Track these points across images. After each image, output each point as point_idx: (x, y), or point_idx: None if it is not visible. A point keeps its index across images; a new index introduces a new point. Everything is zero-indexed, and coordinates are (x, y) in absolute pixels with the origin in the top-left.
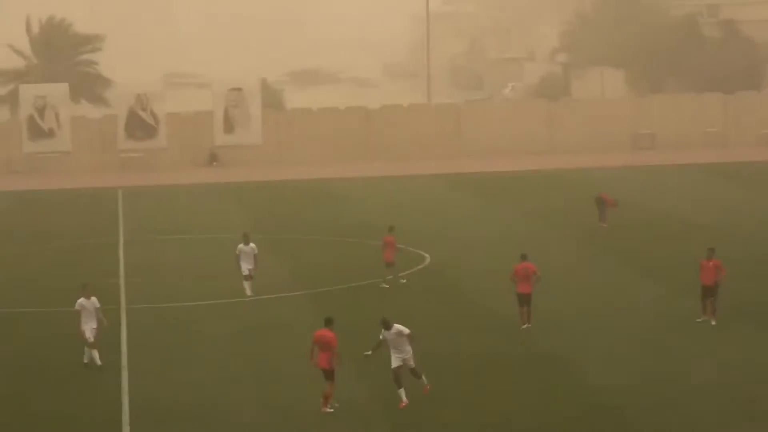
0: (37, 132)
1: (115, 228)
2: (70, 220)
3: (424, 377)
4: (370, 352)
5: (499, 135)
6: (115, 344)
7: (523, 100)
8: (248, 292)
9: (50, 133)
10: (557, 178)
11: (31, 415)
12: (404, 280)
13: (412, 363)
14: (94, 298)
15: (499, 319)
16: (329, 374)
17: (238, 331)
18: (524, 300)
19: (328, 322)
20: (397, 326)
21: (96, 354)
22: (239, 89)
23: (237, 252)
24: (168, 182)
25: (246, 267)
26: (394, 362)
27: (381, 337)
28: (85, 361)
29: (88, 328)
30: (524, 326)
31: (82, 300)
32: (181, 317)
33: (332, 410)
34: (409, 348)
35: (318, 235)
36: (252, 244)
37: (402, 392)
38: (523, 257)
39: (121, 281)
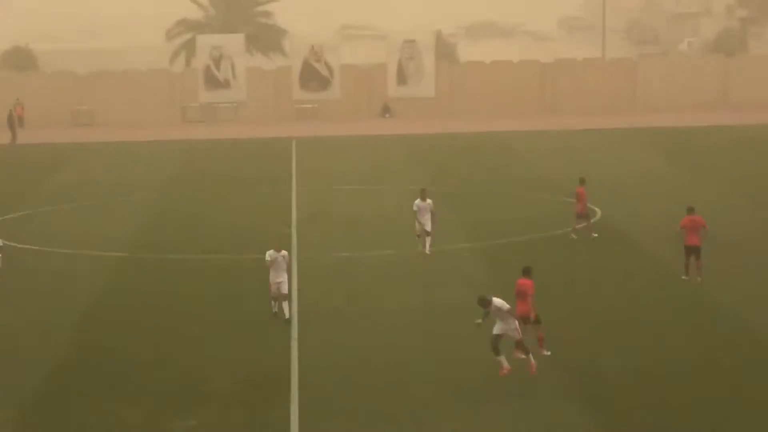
0: (213, 82)
1: (288, 177)
2: (244, 169)
3: (531, 356)
4: (480, 321)
5: (675, 90)
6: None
7: (699, 55)
8: (426, 250)
9: (225, 84)
10: (733, 134)
11: (206, 360)
12: (595, 234)
13: (516, 335)
14: (284, 252)
15: (671, 272)
16: (527, 321)
17: (411, 282)
18: (692, 252)
19: (527, 272)
20: (497, 302)
21: (286, 307)
22: (413, 41)
23: (414, 208)
24: (341, 133)
25: (423, 224)
26: (496, 329)
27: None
28: (274, 311)
29: (276, 282)
30: (684, 277)
31: (272, 252)
32: (352, 267)
33: (548, 353)
34: (512, 321)
35: (493, 187)
36: (429, 201)
37: (502, 359)
38: (690, 210)
39: (294, 230)
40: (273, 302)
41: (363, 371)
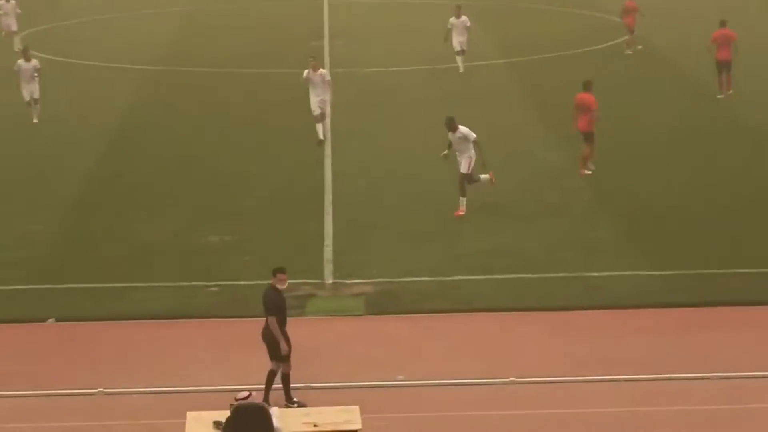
0: None
1: None
2: None
3: (481, 177)
4: (446, 152)
5: None
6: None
7: None
8: (460, 68)
9: None
10: None
11: (240, 175)
12: (640, 47)
13: (464, 169)
14: (323, 71)
15: (705, 89)
16: (588, 137)
17: (444, 97)
18: (723, 67)
19: (587, 86)
20: (463, 129)
21: (320, 128)
22: None
23: (448, 26)
24: None
25: (457, 42)
26: (462, 167)
27: (449, 138)
28: (320, 138)
29: (315, 101)
30: (720, 96)
31: (308, 72)
32: (384, 82)
33: (590, 172)
34: (471, 153)
35: (530, 3)
36: (464, 17)
37: (462, 201)
38: (722, 24)
39: (325, 43)
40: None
41: (394, 186)
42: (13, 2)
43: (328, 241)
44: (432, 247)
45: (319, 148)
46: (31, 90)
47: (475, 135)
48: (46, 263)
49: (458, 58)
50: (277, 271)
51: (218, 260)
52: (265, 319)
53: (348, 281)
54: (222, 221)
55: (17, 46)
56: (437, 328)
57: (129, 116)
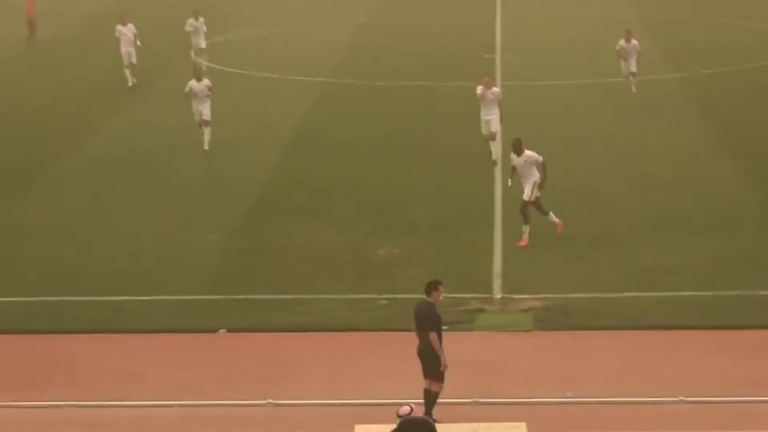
0: None
1: (492, 4)
2: None
3: (552, 215)
4: (510, 181)
5: None
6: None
7: None
8: (633, 88)
9: None
10: None
11: (409, 188)
12: None
13: (527, 196)
14: (495, 89)
15: None
16: None
17: (614, 108)
18: None
19: None
20: (529, 153)
21: (492, 147)
22: None
23: (617, 48)
24: None
25: (627, 65)
26: (526, 193)
27: (511, 163)
28: (493, 158)
29: (486, 120)
30: None
31: (482, 88)
32: (555, 94)
33: None
34: (536, 178)
35: (702, 14)
36: (634, 42)
37: (525, 229)
38: None
39: (497, 57)
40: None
41: (564, 200)
42: (201, 20)
43: (497, 256)
44: (601, 262)
45: (488, 164)
46: (200, 110)
47: (542, 157)
48: (219, 274)
49: (631, 80)
50: (435, 283)
51: (387, 273)
52: (418, 334)
53: (517, 296)
54: (391, 234)
55: (197, 57)
56: (606, 345)
57: (304, 128)
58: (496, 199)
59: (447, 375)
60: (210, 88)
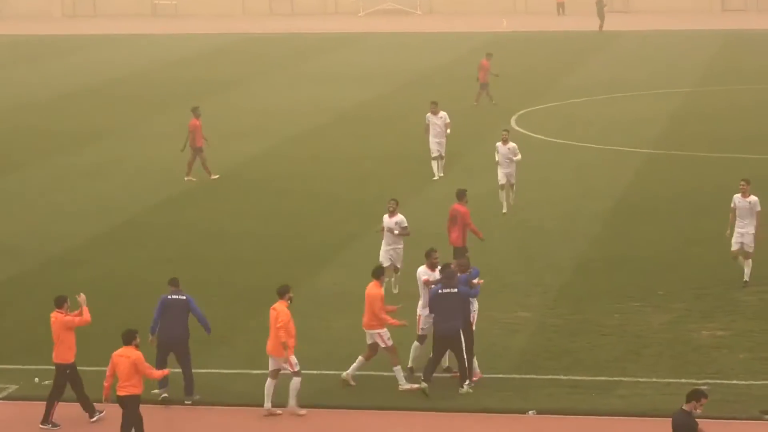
0: None
1: None
2: None
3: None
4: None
5: None
6: None
7: None
8: None
9: None
10: None
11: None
12: None
13: None
14: None
15: None
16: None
17: None
18: None
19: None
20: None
21: (747, 268)
22: None
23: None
24: None
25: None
26: None
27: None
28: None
29: (739, 234)
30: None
31: None
32: None
33: None
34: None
35: None
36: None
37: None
38: None
39: None
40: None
41: None
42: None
43: None
44: None
45: None
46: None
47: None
48: (529, 352)
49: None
50: (697, 394)
51: (709, 356)
52: None
53: None
54: (714, 315)
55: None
56: None
57: (623, 199)
58: None
59: None
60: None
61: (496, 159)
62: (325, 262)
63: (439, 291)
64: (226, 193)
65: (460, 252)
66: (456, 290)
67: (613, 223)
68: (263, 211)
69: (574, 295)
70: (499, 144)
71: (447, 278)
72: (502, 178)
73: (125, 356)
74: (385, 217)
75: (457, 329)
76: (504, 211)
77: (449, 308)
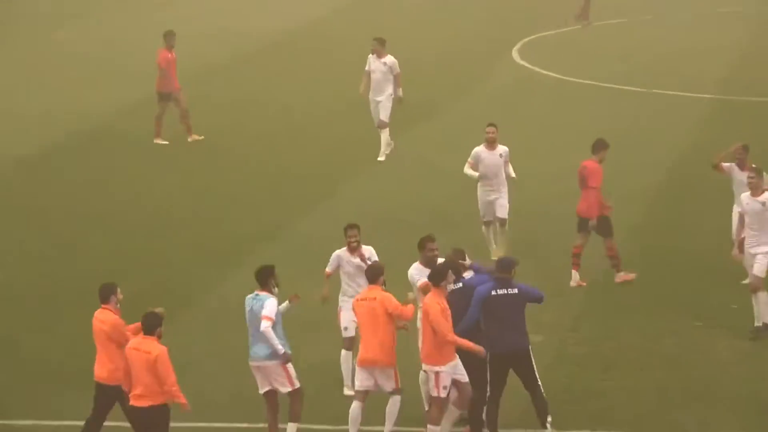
0: None
1: None
2: None
3: None
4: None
5: None
6: None
7: None
8: None
9: None
10: None
11: None
12: None
13: None
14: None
15: None
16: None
17: None
18: None
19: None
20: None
21: None
22: None
23: None
24: None
25: None
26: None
27: None
28: None
29: None
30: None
31: None
32: None
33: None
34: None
35: None
36: None
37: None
38: None
39: None
40: None
41: None
42: None
43: None
44: None
45: None
46: None
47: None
48: None
49: None
50: None
51: None
52: None
53: None
54: None
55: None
56: None
57: (675, 167)
58: None
59: None
60: None
61: (471, 173)
62: None
63: (493, 292)
64: None
65: (583, 225)
66: (516, 290)
67: (662, 201)
68: None
69: (605, 309)
70: (480, 149)
71: (502, 271)
72: (484, 209)
73: None
74: (341, 253)
75: (526, 344)
76: (493, 251)
77: (510, 316)
